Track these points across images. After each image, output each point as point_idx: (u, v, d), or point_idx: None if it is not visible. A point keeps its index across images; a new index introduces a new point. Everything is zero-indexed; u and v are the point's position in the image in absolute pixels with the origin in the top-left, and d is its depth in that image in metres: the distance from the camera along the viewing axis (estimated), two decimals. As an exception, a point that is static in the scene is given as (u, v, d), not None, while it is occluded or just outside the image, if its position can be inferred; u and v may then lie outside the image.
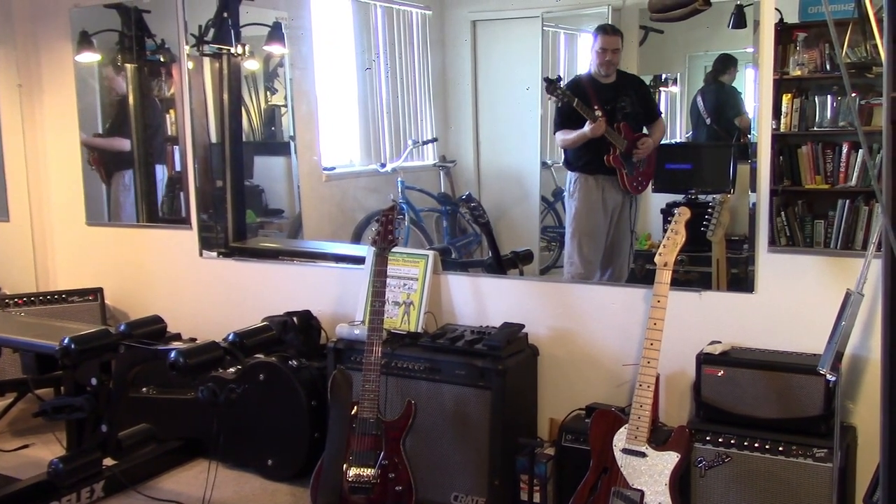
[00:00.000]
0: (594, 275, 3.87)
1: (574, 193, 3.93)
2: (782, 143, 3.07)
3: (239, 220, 4.51)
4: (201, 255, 4.45)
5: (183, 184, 4.47)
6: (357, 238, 4.54)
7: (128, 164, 4.75)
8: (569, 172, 3.96)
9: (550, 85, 3.72)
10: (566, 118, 3.79)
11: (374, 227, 3.27)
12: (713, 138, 3.77)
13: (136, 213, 4.75)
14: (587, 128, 3.73)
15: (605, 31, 3.85)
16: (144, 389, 3.86)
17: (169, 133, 4.57)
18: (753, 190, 3.10)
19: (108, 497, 3.49)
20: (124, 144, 4.72)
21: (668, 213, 3.55)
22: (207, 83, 4.42)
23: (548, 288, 3.62)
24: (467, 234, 4.51)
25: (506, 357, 3.23)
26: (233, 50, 4.37)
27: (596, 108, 3.74)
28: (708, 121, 3.77)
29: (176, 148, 4.51)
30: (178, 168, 4.53)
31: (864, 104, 2.93)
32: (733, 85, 3.66)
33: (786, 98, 3.04)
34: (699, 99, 3.75)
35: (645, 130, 3.83)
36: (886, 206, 1.50)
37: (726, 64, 3.65)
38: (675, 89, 3.92)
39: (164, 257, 4.56)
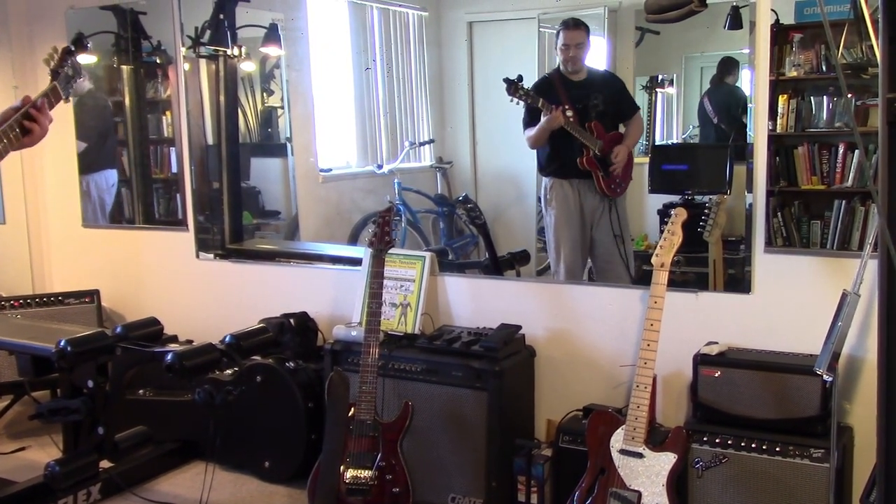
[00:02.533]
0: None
1: (551, 201, 3.82)
2: (778, 144, 3.07)
3: (235, 221, 4.51)
4: (198, 256, 4.45)
5: (179, 185, 4.47)
6: (354, 239, 4.54)
7: (85, 168, 4.76)
8: (543, 178, 3.88)
9: (511, 86, 3.61)
10: (533, 116, 3.70)
11: (370, 228, 3.27)
12: (721, 136, 3.74)
13: (133, 214, 4.74)
14: (542, 119, 3.62)
15: (568, 25, 3.75)
16: (141, 391, 3.86)
17: (166, 134, 4.58)
18: (750, 191, 3.11)
19: (104, 499, 3.48)
20: (77, 146, 4.73)
21: (664, 213, 3.55)
22: (204, 85, 4.42)
23: (545, 289, 3.62)
24: (464, 235, 4.50)
25: (503, 358, 3.23)
26: (229, 51, 4.37)
27: (567, 107, 3.66)
28: (715, 120, 3.74)
29: (172, 149, 4.52)
30: (174, 170, 4.53)
31: (860, 105, 2.94)
32: (737, 84, 3.64)
33: (782, 99, 3.05)
34: (706, 101, 3.72)
35: (622, 128, 3.77)
36: (882, 207, 1.50)
37: (729, 66, 3.62)
38: (671, 90, 3.91)
39: (160, 259, 4.55)
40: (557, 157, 3.79)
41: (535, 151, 3.98)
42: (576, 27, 3.74)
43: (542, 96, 3.71)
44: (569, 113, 3.65)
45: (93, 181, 4.79)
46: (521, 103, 3.68)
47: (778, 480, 2.79)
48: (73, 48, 2.41)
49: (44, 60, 2.40)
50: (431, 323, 3.66)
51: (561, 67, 3.80)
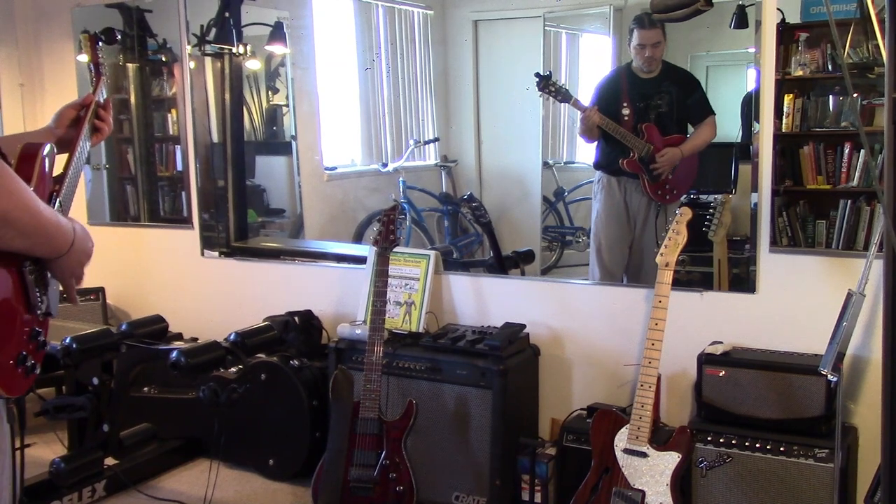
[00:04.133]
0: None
1: (597, 195, 3.72)
2: (784, 143, 3.07)
3: (240, 219, 4.51)
4: (203, 254, 4.45)
5: (184, 183, 4.48)
6: (358, 238, 4.54)
7: None
8: (596, 172, 3.77)
9: (542, 81, 3.51)
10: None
11: (375, 226, 3.27)
12: None
13: (138, 212, 4.75)
14: (579, 117, 3.56)
15: (643, 23, 3.52)
16: (146, 389, 3.86)
17: (171, 133, 4.59)
18: (755, 190, 3.10)
19: (109, 496, 3.49)
20: None
21: (669, 213, 3.54)
22: (209, 83, 4.42)
23: (549, 288, 3.62)
24: (469, 233, 4.50)
25: (507, 357, 3.23)
26: (234, 50, 4.38)
27: (625, 104, 3.54)
28: None
29: (178, 147, 4.53)
30: (179, 168, 4.54)
31: (866, 104, 2.93)
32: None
33: (787, 98, 3.04)
34: None
35: (691, 130, 3.62)
36: (888, 207, 1.50)
37: None
38: (676, 90, 3.90)
39: (165, 257, 4.56)
40: (610, 154, 3.64)
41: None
42: (651, 25, 3.50)
43: (606, 92, 3.61)
44: (625, 112, 3.50)
45: None
46: (552, 99, 3.59)
47: (782, 480, 2.79)
48: (102, 37, 2.34)
49: (84, 49, 2.32)
50: (436, 321, 3.66)
51: (633, 64, 3.61)
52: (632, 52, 3.60)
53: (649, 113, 3.54)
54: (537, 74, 3.55)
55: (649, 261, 3.49)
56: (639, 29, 3.55)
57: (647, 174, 3.54)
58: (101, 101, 2.08)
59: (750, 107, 3.14)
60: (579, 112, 3.57)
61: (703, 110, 3.55)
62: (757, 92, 3.08)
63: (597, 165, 3.76)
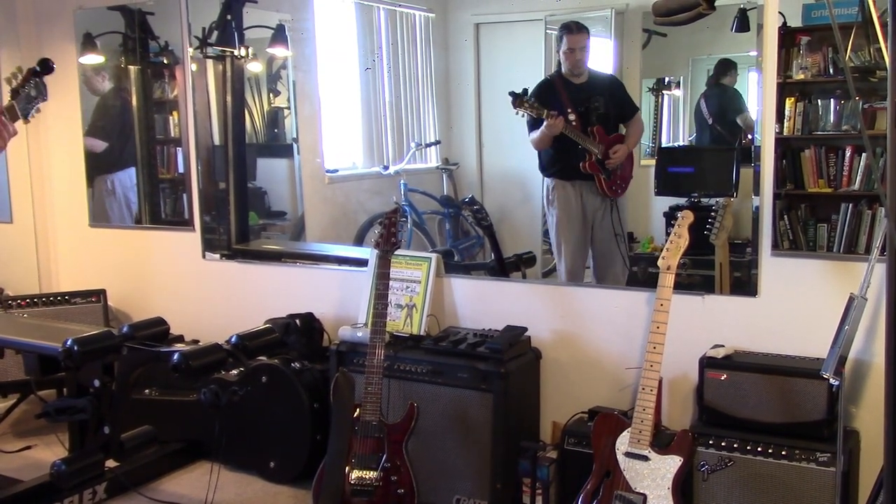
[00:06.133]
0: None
1: (553, 202, 3.87)
2: (785, 147, 3.07)
3: (242, 222, 4.51)
4: (204, 256, 4.45)
5: (186, 186, 4.48)
6: (360, 240, 4.55)
7: (109, 167, 4.76)
8: (545, 179, 3.91)
9: (517, 99, 3.63)
10: (538, 119, 3.72)
11: (376, 229, 3.27)
12: (716, 139, 3.76)
13: (140, 214, 4.75)
14: (544, 125, 3.66)
15: (570, 29, 3.78)
16: (147, 391, 3.86)
17: (173, 135, 4.59)
18: (756, 193, 3.10)
19: (110, 499, 3.49)
20: (97, 146, 4.73)
21: (670, 216, 3.55)
22: (211, 85, 4.43)
23: (550, 291, 3.61)
24: (470, 236, 4.51)
25: (508, 360, 3.23)
26: (236, 52, 4.38)
27: (570, 110, 3.69)
28: (710, 121, 3.76)
29: (179, 149, 4.53)
30: (180, 170, 4.54)
31: (868, 108, 2.93)
32: (735, 87, 3.66)
33: (789, 101, 3.04)
34: (702, 102, 3.75)
35: (622, 129, 3.81)
36: (890, 210, 1.50)
37: (726, 67, 3.64)
38: (677, 92, 3.91)
39: (167, 259, 4.56)
40: (560, 159, 3.81)
41: (536, 152, 4.00)
42: (578, 31, 3.77)
43: (544, 99, 3.72)
44: (571, 117, 3.66)
45: (117, 180, 4.79)
46: (526, 115, 3.71)
47: (784, 484, 2.79)
48: (38, 69, 2.39)
49: (6, 79, 2.37)
50: (437, 324, 3.66)
51: (563, 70, 3.81)
52: (561, 58, 3.82)
53: (591, 115, 3.73)
54: (511, 93, 3.66)
55: (612, 253, 3.80)
56: (567, 34, 3.79)
57: (604, 173, 3.71)
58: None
59: (699, 109, 3.21)
60: (546, 120, 3.67)
61: (632, 108, 3.82)
62: (713, 93, 3.12)
63: (546, 171, 3.90)
